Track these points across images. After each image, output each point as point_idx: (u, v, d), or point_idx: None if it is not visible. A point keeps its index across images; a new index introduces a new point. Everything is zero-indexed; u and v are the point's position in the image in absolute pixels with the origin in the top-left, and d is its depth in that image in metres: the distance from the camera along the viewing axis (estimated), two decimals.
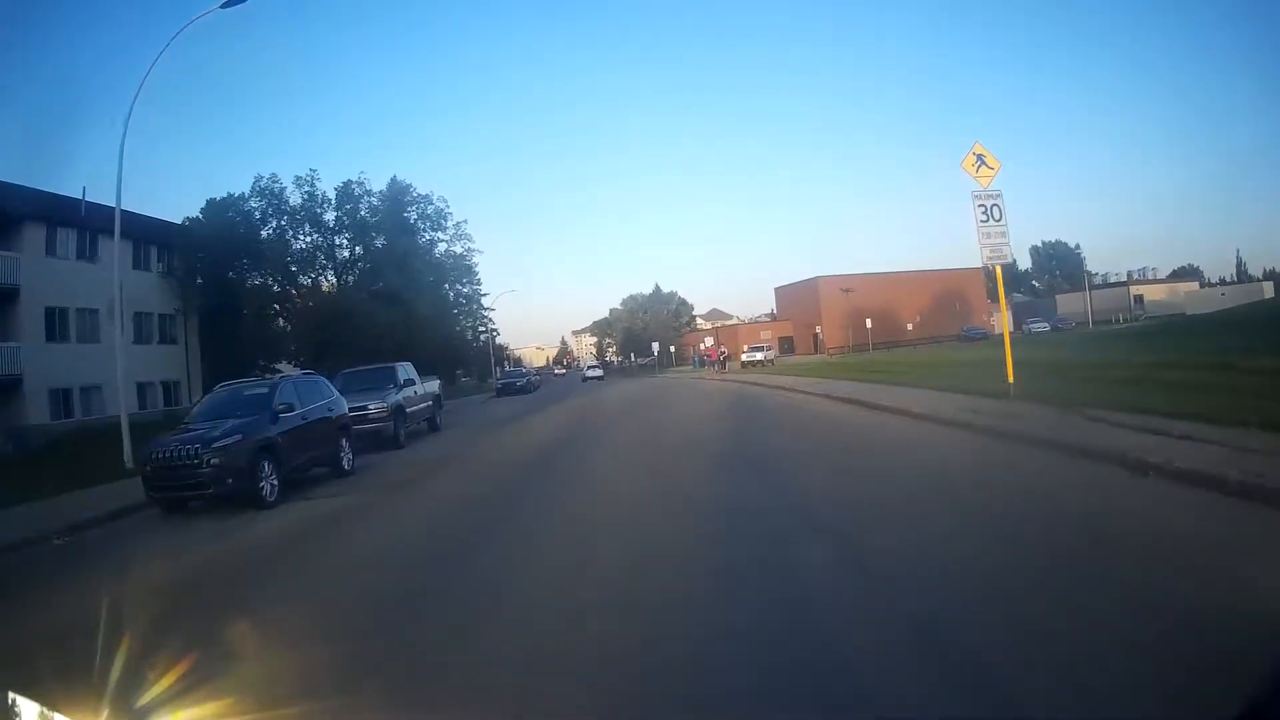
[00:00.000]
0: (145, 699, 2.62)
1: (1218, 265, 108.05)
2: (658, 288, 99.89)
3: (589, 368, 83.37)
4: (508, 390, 45.39)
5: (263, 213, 44.51)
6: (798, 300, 78.35)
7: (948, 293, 78.49)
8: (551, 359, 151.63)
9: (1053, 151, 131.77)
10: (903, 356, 40.67)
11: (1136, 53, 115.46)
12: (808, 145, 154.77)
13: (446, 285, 53.93)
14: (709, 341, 56.33)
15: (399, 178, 50.09)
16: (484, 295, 64.41)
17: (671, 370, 68.96)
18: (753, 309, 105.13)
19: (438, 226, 50.82)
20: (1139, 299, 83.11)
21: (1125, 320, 71.90)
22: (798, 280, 79.38)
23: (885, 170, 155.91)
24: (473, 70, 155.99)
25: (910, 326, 73.52)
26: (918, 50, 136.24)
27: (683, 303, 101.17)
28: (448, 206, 50.89)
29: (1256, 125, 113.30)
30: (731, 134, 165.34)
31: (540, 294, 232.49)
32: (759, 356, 51.87)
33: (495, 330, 75.46)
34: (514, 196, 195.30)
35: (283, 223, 45.51)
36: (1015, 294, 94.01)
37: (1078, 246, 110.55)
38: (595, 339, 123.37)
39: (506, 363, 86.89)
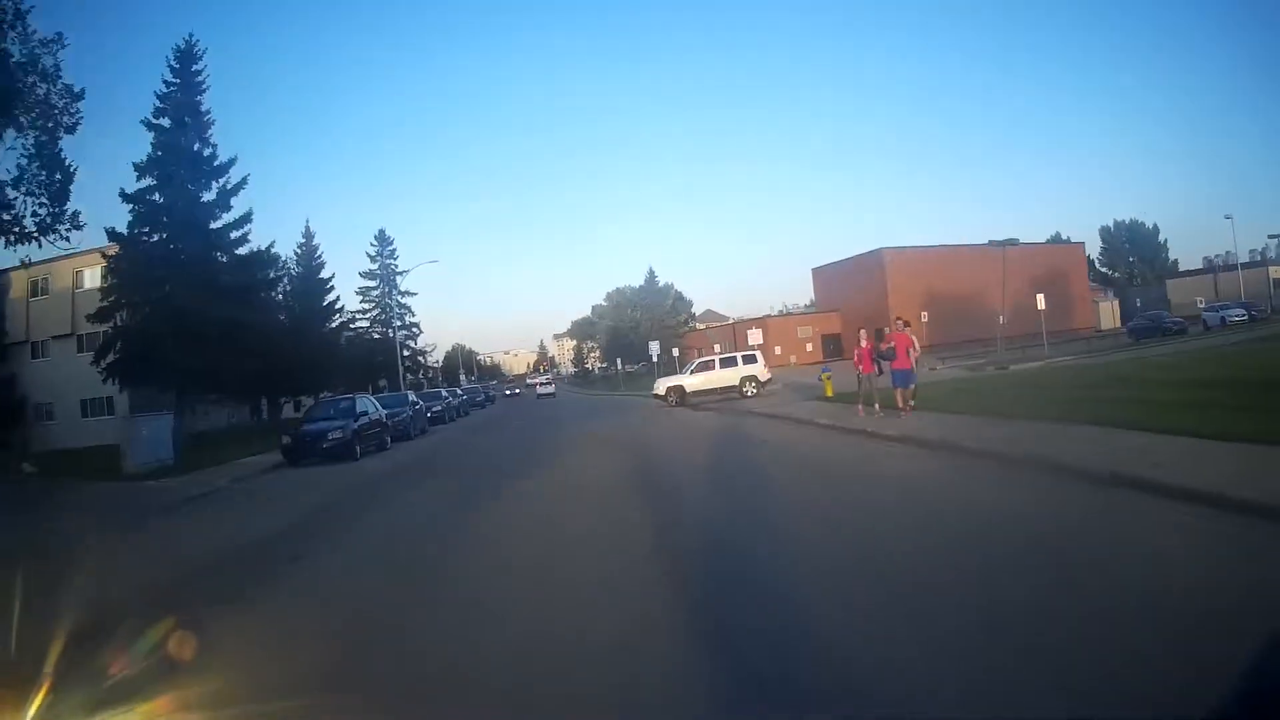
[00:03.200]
0: None
1: None
2: (651, 274, 79.08)
3: (540, 384, 68.32)
4: (309, 450, 18.60)
5: None
6: (848, 284, 57.48)
7: (1048, 274, 58.41)
8: (531, 365, 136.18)
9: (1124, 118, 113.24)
10: (1090, 372, 20.40)
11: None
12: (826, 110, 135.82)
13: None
14: (754, 338, 34.93)
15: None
16: (401, 275, 45.48)
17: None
18: (752, 308, 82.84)
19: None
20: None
21: None
22: (850, 256, 58.55)
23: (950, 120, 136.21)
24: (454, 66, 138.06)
25: (1002, 319, 53.23)
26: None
27: (679, 297, 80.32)
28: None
29: None
30: (732, 109, 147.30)
31: (522, 296, 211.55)
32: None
33: (413, 327, 54.21)
34: (495, 192, 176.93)
35: None
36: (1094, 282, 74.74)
37: (1155, 227, 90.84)
38: (576, 342, 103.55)
39: (436, 374, 65.64)
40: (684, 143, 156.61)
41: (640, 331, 69.57)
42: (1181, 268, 78.07)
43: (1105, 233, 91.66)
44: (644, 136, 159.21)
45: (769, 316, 66.68)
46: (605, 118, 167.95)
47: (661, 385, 27.74)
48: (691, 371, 27.83)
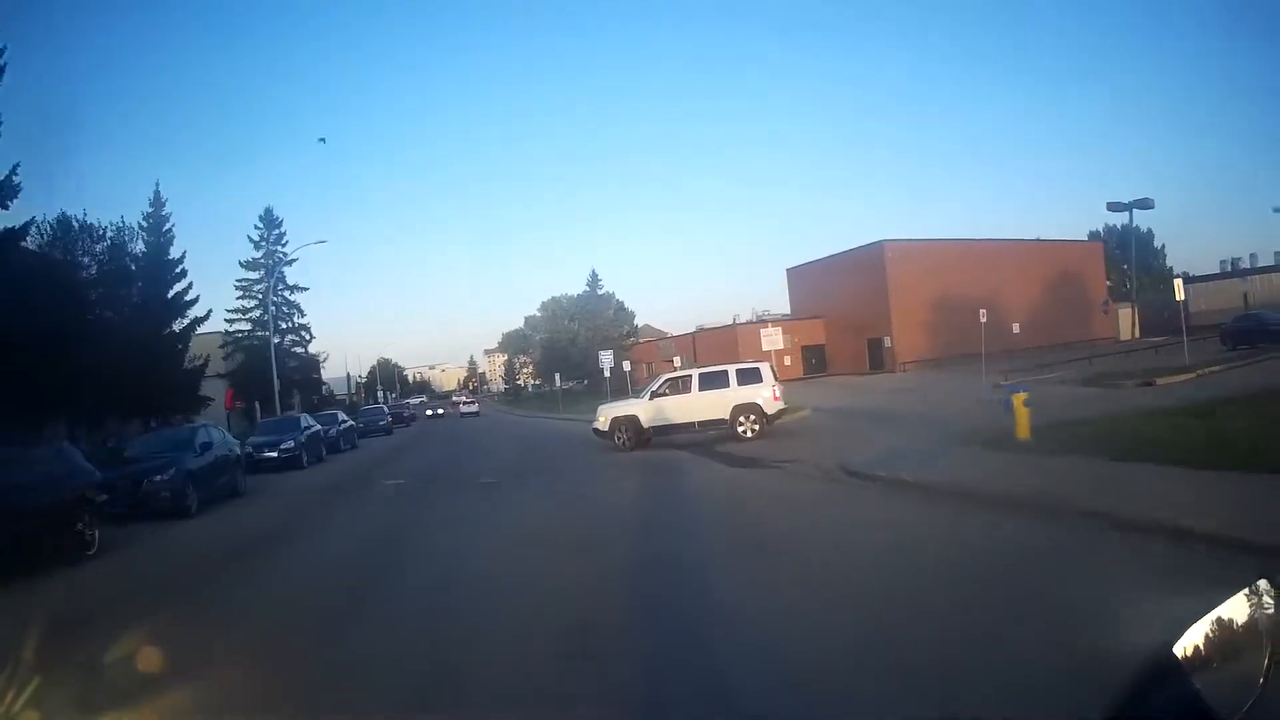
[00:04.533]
0: None
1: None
2: (594, 277, 70.48)
3: (464, 402, 62.19)
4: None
5: None
6: (836, 285, 48.46)
7: (1063, 277, 50.49)
8: (461, 382, 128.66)
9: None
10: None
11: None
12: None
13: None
14: (769, 340, 24.79)
15: None
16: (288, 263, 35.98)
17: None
18: (706, 320, 72.77)
19: None
20: None
21: None
22: (841, 252, 49.64)
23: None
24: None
25: (1017, 328, 45.15)
26: None
27: (621, 307, 72.29)
28: None
29: None
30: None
31: (452, 308, 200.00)
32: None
33: (302, 331, 43.96)
34: (421, 197, 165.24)
35: None
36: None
37: (1149, 231, 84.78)
38: (506, 357, 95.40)
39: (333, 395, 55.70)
40: (628, 144, 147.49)
41: (579, 344, 61.86)
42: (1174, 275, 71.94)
43: (1095, 238, 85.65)
44: (581, 137, 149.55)
45: (737, 324, 57.66)
46: (539, 117, 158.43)
47: (604, 414, 17.67)
48: (653, 394, 17.63)
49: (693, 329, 62.69)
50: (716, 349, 45.68)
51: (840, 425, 17.89)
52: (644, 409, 17.21)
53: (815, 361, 48.76)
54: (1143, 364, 23.95)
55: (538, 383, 76.99)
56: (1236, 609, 1.06)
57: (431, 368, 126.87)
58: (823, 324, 50.19)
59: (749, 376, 17.35)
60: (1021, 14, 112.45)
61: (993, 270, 45.09)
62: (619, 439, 17.05)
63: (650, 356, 58.79)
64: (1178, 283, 28.06)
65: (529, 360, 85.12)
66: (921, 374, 38.53)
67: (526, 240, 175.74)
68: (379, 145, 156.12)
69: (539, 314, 76.74)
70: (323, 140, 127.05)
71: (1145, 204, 32.28)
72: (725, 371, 17.71)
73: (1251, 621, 1.04)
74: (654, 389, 17.83)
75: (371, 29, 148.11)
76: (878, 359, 44.90)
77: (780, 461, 12.63)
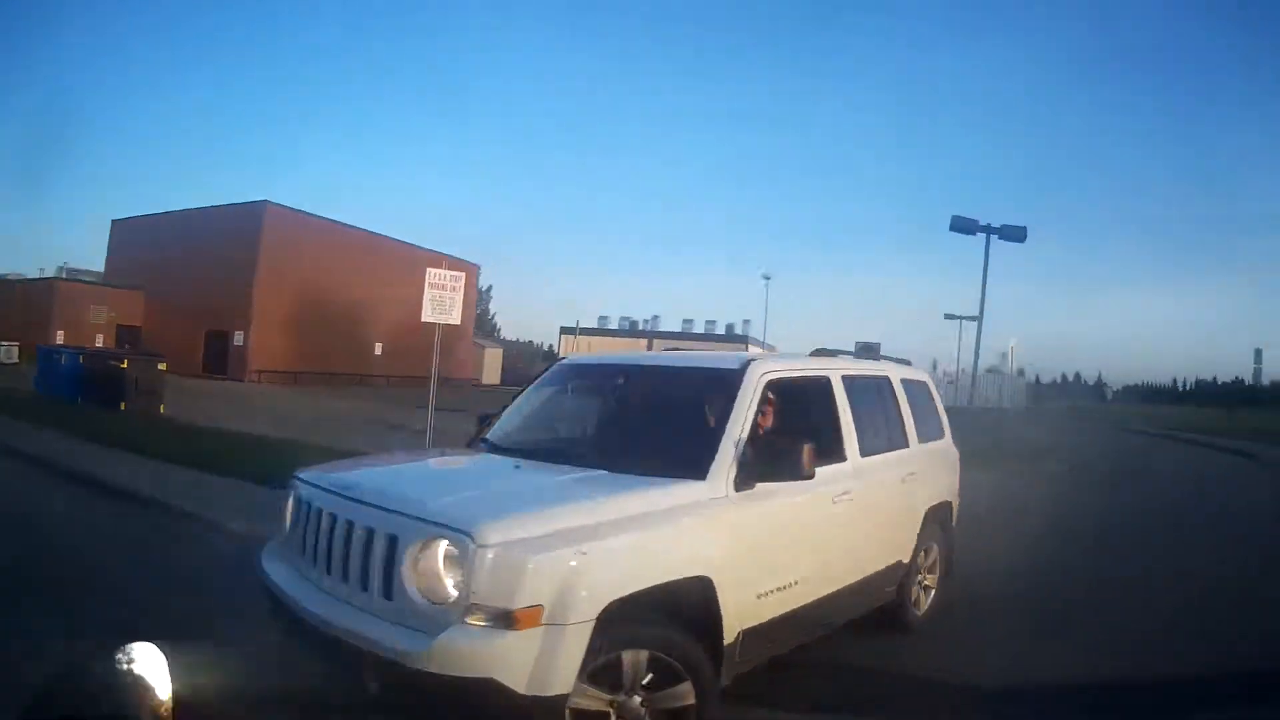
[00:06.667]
0: None
1: None
2: None
3: None
4: None
5: None
6: (180, 252, 36.22)
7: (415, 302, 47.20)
8: None
9: None
10: None
11: None
12: None
13: None
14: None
15: None
16: None
17: None
18: None
19: None
20: None
21: None
22: (203, 206, 37.32)
23: None
24: None
25: (380, 349, 41.55)
26: None
27: None
28: None
29: None
30: None
31: None
32: None
33: None
34: None
35: None
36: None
37: None
38: None
39: None
40: None
41: None
42: None
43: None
44: None
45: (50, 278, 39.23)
46: None
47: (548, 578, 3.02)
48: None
49: None
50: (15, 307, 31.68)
51: None
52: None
53: (128, 347, 36.25)
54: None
55: None
56: None
57: None
58: (142, 298, 37.64)
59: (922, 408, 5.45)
60: None
61: (372, 273, 39.63)
62: None
63: None
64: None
65: None
66: (283, 389, 31.44)
67: None
68: None
69: None
70: None
71: None
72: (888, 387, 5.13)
73: None
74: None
75: None
76: (220, 359, 35.05)
77: None
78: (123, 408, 15.57)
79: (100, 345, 31.86)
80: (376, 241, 42.22)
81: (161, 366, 16.93)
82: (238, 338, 34.84)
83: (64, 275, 41.29)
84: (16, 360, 31.14)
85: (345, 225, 41.09)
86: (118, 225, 42.26)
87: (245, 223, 35.17)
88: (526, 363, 60.67)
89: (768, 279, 52.29)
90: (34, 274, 42.98)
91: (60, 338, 32.08)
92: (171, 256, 36.18)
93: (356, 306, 39.21)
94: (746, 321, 62.89)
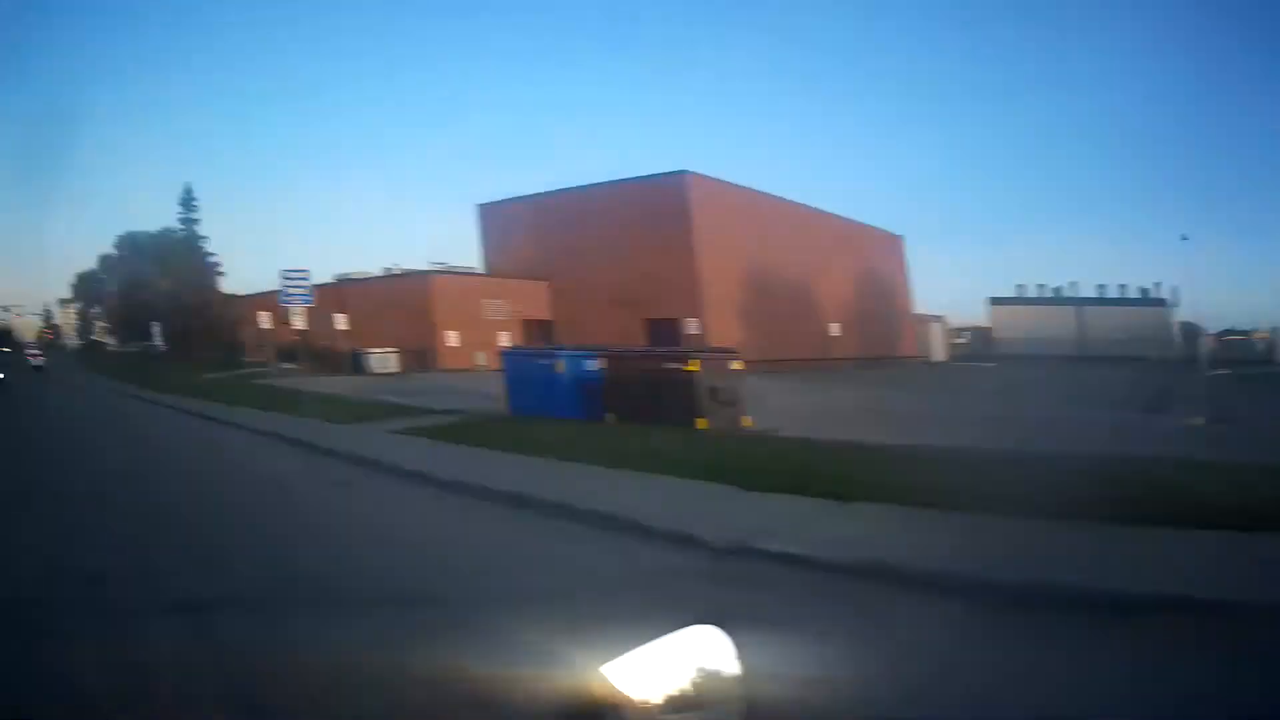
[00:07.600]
0: None
1: None
2: (188, 197, 46.97)
3: (32, 354, 40.37)
4: None
5: None
6: (594, 231, 30.26)
7: (871, 273, 37.34)
8: (38, 334, 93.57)
9: None
10: None
11: None
12: None
13: None
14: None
15: None
16: None
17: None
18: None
19: None
20: None
21: None
22: (610, 181, 31.07)
23: None
24: None
25: (837, 329, 31.99)
26: None
27: (202, 252, 48.95)
28: None
29: None
30: None
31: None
32: None
33: None
34: None
35: None
36: None
37: None
38: (80, 306, 72.34)
39: None
40: None
41: (162, 295, 43.61)
42: None
43: None
44: None
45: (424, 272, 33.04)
46: None
47: None
48: None
49: (331, 279, 34.05)
50: (389, 306, 27.59)
51: None
52: None
53: (523, 338, 28.90)
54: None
55: (117, 338, 59.78)
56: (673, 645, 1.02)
57: (6, 309, 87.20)
58: (547, 289, 30.17)
59: None
60: None
61: (810, 249, 31.81)
62: None
63: (260, 309, 29.23)
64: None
65: (103, 310, 63.83)
66: (757, 380, 21.76)
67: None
68: None
69: (116, 253, 54.97)
70: None
71: None
72: None
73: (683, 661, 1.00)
74: None
75: None
76: None
77: None
78: (701, 425, 10.88)
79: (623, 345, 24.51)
80: (803, 213, 35.45)
81: (736, 365, 12.24)
82: (691, 325, 27.28)
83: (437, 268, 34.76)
84: (397, 370, 24.26)
85: (769, 195, 34.70)
86: (486, 210, 35.76)
87: (666, 198, 30.31)
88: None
89: (1185, 239, 45.46)
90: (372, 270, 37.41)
91: (452, 339, 27.53)
92: (574, 239, 28.87)
93: (802, 285, 30.49)
94: (1157, 284, 52.10)
